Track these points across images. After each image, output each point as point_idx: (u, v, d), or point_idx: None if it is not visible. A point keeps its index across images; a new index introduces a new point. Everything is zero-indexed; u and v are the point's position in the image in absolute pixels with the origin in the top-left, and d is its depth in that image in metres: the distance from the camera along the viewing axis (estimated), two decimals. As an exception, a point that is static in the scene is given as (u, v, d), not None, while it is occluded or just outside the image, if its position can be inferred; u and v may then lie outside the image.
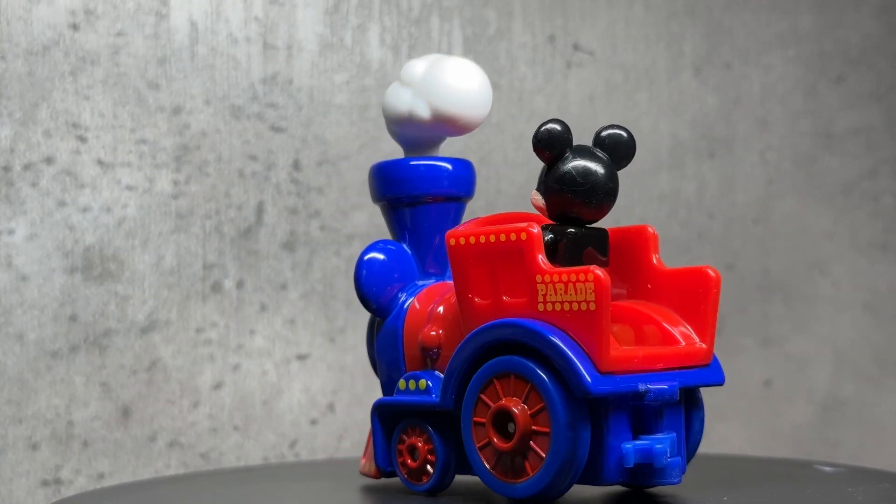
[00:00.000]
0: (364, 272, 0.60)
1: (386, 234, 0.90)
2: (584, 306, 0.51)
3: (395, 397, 0.57)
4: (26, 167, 0.80)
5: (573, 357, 0.51)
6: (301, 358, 0.87)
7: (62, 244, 0.80)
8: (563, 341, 0.51)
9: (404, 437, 0.57)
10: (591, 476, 0.52)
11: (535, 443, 0.51)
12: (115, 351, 0.82)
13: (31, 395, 0.79)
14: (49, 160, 0.80)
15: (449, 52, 0.93)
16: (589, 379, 0.50)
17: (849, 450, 1.06)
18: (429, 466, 0.56)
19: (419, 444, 0.56)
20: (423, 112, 0.61)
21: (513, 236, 0.53)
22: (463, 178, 0.62)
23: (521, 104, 0.95)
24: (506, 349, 0.53)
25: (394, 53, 0.91)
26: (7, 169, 0.79)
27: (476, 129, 0.63)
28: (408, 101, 0.62)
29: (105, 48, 0.82)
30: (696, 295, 0.54)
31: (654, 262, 0.57)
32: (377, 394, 0.88)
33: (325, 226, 0.88)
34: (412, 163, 0.62)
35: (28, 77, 0.80)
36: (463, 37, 0.93)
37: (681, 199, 1.01)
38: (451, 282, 0.57)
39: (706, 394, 0.96)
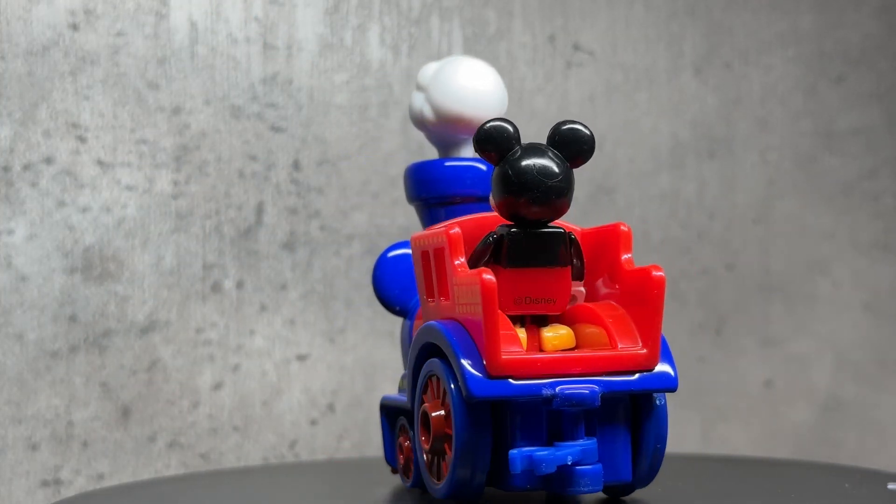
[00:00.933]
0: (378, 271, 0.61)
1: (386, 235, 0.90)
2: (476, 309, 0.50)
3: (393, 395, 0.58)
4: (26, 167, 0.80)
5: (461, 360, 0.50)
6: (301, 358, 0.87)
7: (62, 244, 0.80)
8: (457, 344, 0.51)
9: (400, 434, 0.58)
10: (500, 480, 0.52)
11: (447, 444, 0.52)
12: (114, 351, 0.82)
13: (31, 396, 0.79)
14: (49, 160, 0.80)
15: (449, 52, 0.93)
16: (472, 382, 0.50)
17: (849, 450, 1.06)
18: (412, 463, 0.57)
19: (405, 443, 0.57)
20: (430, 113, 0.61)
21: (439, 239, 0.53)
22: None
23: (521, 104, 0.95)
24: (437, 351, 0.53)
25: (394, 53, 0.91)
26: (7, 169, 0.79)
27: (461, 130, 0.62)
28: (420, 103, 0.62)
29: (105, 48, 0.82)
30: (642, 296, 0.52)
31: (622, 261, 0.54)
32: (377, 394, 0.88)
33: (325, 226, 0.88)
34: (446, 164, 0.62)
35: (28, 77, 0.80)
36: (463, 37, 0.93)
37: (681, 199, 1.01)
38: None
39: (707, 394, 0.95)
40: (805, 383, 1.05)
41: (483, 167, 0.61)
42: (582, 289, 0.55)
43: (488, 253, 0.53)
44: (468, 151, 0.63)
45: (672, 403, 1.03)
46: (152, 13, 0.83)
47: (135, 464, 0.82)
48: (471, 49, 0.93)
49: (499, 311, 0.50)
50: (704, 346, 1.02)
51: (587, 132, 0.53)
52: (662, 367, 0.52)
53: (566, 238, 0.54)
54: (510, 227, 0.53)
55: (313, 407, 0.87)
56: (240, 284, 0.85)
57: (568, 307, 0.54)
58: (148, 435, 0.82)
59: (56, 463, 0.80)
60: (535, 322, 0.54)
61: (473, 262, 0.53)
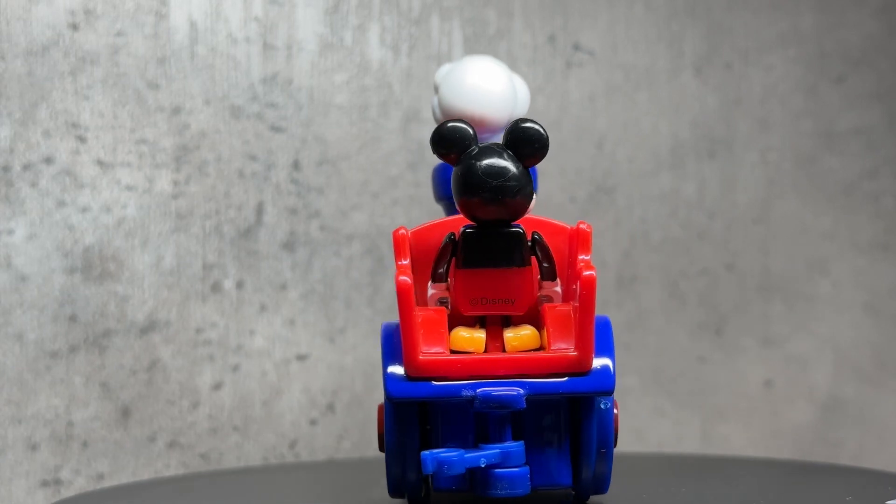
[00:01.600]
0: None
1: (386, 235, 0.90)
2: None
3: None
4: (26, 167, 0.80)
5: (385, 361, 0.51)
6: (301, 358, 0.87)
7: (62, 244, 0.80)
8: (386, 346, 0.52)
9: None
10: (435, 481, 0.53)
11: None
12: (114, 351, 0.82)
13: (31, 396, 0.79)
14: (48, 160, 0.80)
15: (449, 52, 0.93)
16: (391, 383, 0.51)
17: (850, 450, 1.06)
18: None
19: None
20: (437, 112, 0.61)
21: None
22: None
23: (522, 104, 0.95)
24: None
25: (394, 53, 0.91)
26: (6, 169, 0.79)
27: (492, 129, 0.62)
28: (434, 103, 0.62)
29: (105, 48, 0.82)
30: (578, 297, 0.52)
31: (578, 261, 0.54)
32: (377, 394, 0.88)
33: (325, 226, 0.88)
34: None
35: (27, 77, 0.80)
36: (463, 37, 0.93)
37: (681, 199, 1.01)
38: None
39: (707, 394, 0.96)
40: (805, 383, 1.05)
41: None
42: (558, 289, 0.55)
43: (448, 253, 0.53)
44: None
45: (672, 403, 1.03)
46: (152, 13, 0.83)
47: (135, 464, 0.82)
48: (471, 49, 0.93)
49: (445, 311, 0.52)
50: (704, 346, 1.02)
51: (538, 130, 0.52)
52: (598, 370, 0.51)
53: (525, 238, 0.53)
54: (467, 227, 0.53)
55: (313, 407, 0.87)
56: (240, 284, 0.85)
57: (540, 307, 0.54)
58: (148, 435, 0.82)
59: (56, 463, 0.80)
60: (502, 323, 0.54)
61: (434, 263, 0.53)
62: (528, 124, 0.53)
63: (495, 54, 0.94)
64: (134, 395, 0.82)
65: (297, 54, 0.88)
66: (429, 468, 0.50)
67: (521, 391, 0.50)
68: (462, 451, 0.51)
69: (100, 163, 0.82)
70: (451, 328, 0.54)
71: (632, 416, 0.99)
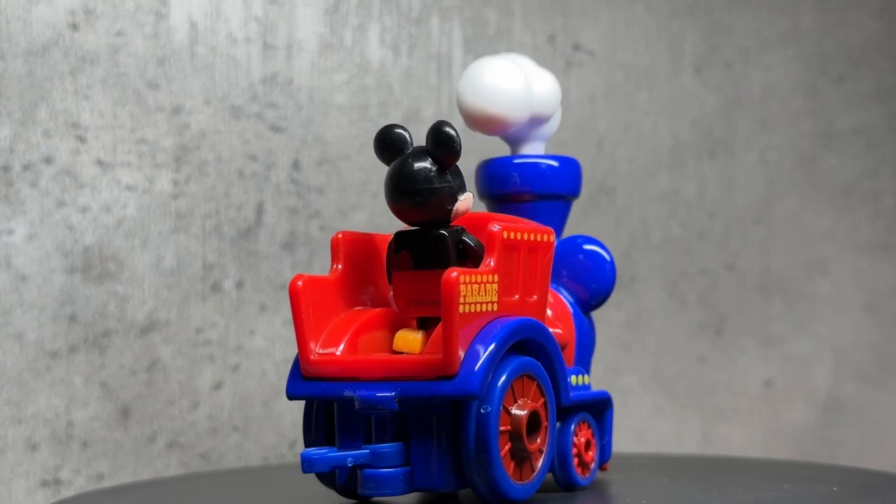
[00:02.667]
0: None
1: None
2: None
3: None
4: (26, 167, 0.80)
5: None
6: (301, 358, 0.87)
7: (62, 244, 0.80)
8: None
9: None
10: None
11: None
12: (114, 351, 0.82)
13: (31, 396, 0.79)
14: (48, 160, 0.80)
15: (449, 52, 0.93)
16: (289, 382, 0.53)
17: (849, 450, 1.06)
18: None
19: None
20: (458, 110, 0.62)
21: None
22: (564, 176, 0.62)
23: (522, 104, 0.95)
24: None
25: (394, 53, 0.91)
26: (6, 169, 0.79)
27: (499, 129, 0.61)
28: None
29: (104, 48, 0.82)
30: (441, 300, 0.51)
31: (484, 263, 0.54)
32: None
33: (325, 226, 0.88)
34: (515, 160, 0.62)
35: (27, 77, 0.80)
36: (463, 37, 0.93)
37: (681, 199, 1.01)
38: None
39: (707, 394, 0.96)
40: (805, 383, 1.05)
41: (555, 164, 0.61)
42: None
43: (390, 257, 0.55)
44: (537, 148, 0.62)
45: (672, 403, 1.03)
46: (152, 13, 0.83)
47: (135, 464, 0.82)
48: (471, 49, 0.93)
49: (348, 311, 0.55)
50: (704, 346, 1.02)
51: (445, 132, 0.53)
52: (463, 373, 0.51)
53: (448, 240, 0.54)
54: (399, 230, 0.55)
55: (313, 407, 0.87)
56: (240, 284, 0.85)
57: None
58: (148, 435, 0.82)
59: (56, 463, 0.80)
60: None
61: (386, 267, 0.56)
62: (438, 127, 0.53)
63: (495, 54, 0.94)
64: (134, 395, 0.82)
65: (297, 54, 0.88)
66: (304, 468, 0.51)
67: (393, 394, 0.51)
68: (333, 449, 0.52)
69: (100, 163, 0.82)
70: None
71: (632, 416, 0.99)
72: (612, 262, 0.61)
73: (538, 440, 0.53)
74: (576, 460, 0.58)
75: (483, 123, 0.60)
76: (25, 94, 0.80)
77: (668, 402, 1.00)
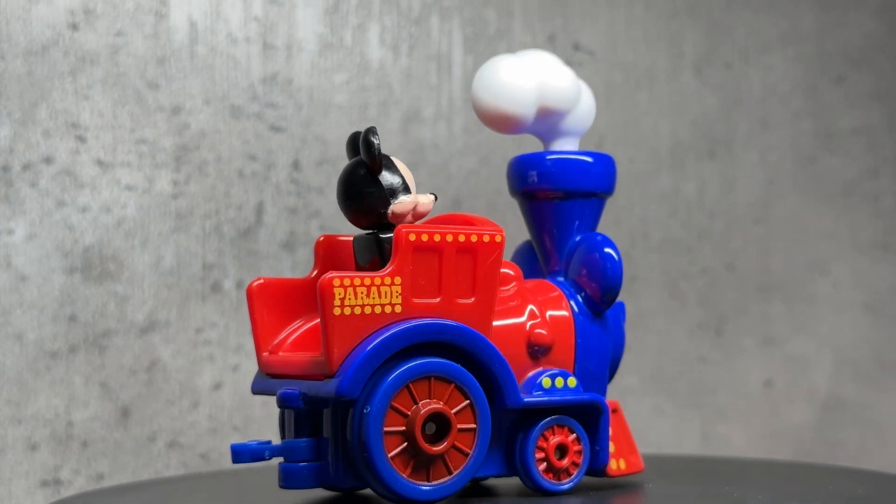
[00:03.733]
0: None
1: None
2: None
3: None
4: (26, 167, 0.80)
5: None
6: (301, 358, 0.87)
7: (61, 244, 0.80)
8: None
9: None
10: None
11: None
12: (114, 351, 0.82)
13: (31, 396, 0.79)
14: (48, 160, 0.80)
15: (449, 52, 0.93)
16: (254, 379, 0.57)
17: (849, 450, 1.06)
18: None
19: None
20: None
21: None
22: (598, 173, 0.61)
23: (522, 104, 0.95)
24: None
25: (394, 53, 0.91)
26: (6, 169, 0.79)
27: (507, 125, 0.60)
28: None
29: (104, 48, 0.82)
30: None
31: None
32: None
33: (324, 226, 0.88)
34: (548, 156, 0.61)
35: (27, 77, 0.80)
36: (463, 37, 0.93)
37: (681, 199, 1.01)
38: (550, 281, 0.60)
39: (707, 394, 0.95)
40: (805, 383, 1.05)
41: (590, 160, 0.61)
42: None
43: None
44: (568, 144, 0.61)
45: (672, 403, 1.03)
46: (152, 13, 0.83)
47: (135, 464, 0.82)
48: (471, 49, 0.93)
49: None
50: (704, 346, 1.02)
51: (364, 138, 0.55)
52: (341, 374, 0.52)
53: (379, 243, 0.55)
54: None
55: (313, 407, 0.87)
56: (240, 284, 0.85)
57: None
58: (148, 435, 0.82)
59: (56, 463, 0.80)
60: None
61: None
62: (362, 134, 0.55)
63: (495, 54, 0.94)
64: (134, 395, 0.82)
65: (297, 54, 0.88)
66: (231, 457, 0.55)
67: (299, 392, 0.53)
68: (258, 442, 0.55)
69: (100, 163, 0.82)
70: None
71: (632, 417, 0.99)
72: (613, 261, 0.59)
73: (445, 442, 0.53)
74: (542, 465, 0.56)
75: (490, 120, 0.60)
76: (25, 94, 0.80)
77: (668, 403, 1.00)
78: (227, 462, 0.85)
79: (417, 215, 0.55)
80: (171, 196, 0.83)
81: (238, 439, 0.85)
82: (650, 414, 1.00)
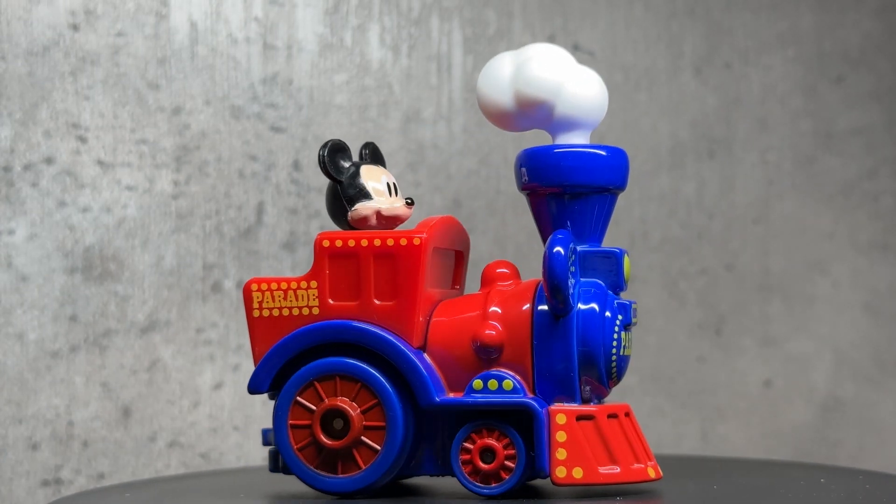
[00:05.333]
0: None
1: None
2: None
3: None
4: (26, 167, 0.80)
5: None
6: (301, 358, 0.87)
7: (62, 244, 0.80)
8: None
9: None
10: None
11: None
12: (115, 351, 0.82)
13: (31, 395, 0.79)
14: (49, 160, 0.80)
15: (449, 52, 0.93)
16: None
17: (849, 450, 1.06)
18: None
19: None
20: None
21: None
22: (607, 167, 0.59)
23: (521, 104, 0.95)
24: None
25: (394, 53, 0.91)
26: (7, 169, 0.79)
27: (490, 115, 0.60)
28: None
29: (105, 48, 0.82)
30: None
31: None
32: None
33: (325, 226, 0.88)
34: (555, 150, 0.59)
35: (28, 77, 0.80)
36: (463, 37, 0.93)
37: (681, 199, 1.01)
38: (527, 281, 0.59)
39: (706, 394, 0.95)
40: (804, 383, 1.05)
41: (603, 153, 0.59)
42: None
43: None
44: (577, 138, 0.59)
45: (671, 403, 1.03)
46: (152, 13, 0.83)
47: (135, 464, 0.82)
48: (471, 49, 0.93)
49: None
50: (704, 345, 1.02)
51: (318, 153, 0.60)
52: (254, 371, 0.59)
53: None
54: None
55: (313, 407, 0.87)
56: (240, 284, 0.85)
57: None
58: (148, 435, 0.82)
59: (56, 463, 0.80)
60: None
61: None
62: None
63: (495, 54, 0.94)
64: (134, 395, 0.82)
65: (297, 54, 0.88)
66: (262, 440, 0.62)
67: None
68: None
69: (100, 163, 0.82)
70: None
71: (631, 416, 0.99)
72: (557, 259, 0.56)
73: (346, 438, 0.57)
74: (468, 467, 0.56)
75: (482, 111, 0.60)
76: (26, 94, 0.80)
77: (667, 402, 1.00)
78: (227, 462, 0.85)
79: (389, 220, 0.58)
80: (171, 196, 0.84)
81: (238, 439, 0.85)
82: (649, 414, 1.00)
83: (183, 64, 0.84)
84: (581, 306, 0.57)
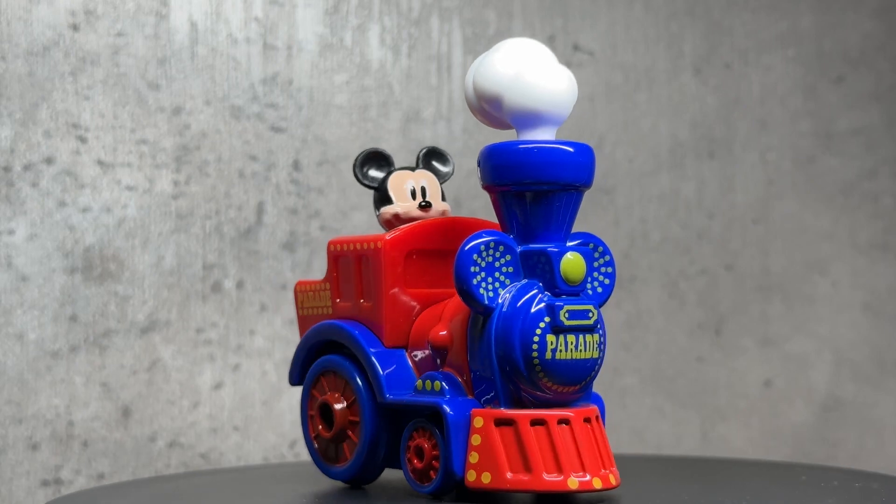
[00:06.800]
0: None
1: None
2: None
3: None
4: (26, 167, 0.80)
5: None
6: (301, 358, 0.87)
7: (62, 244, 0.80)
8: None
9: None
10: None
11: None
12: (115, 351, 0.82)
13: (31, 396, 0.79)
14: (49, 160, 0.80)
15: (449, 52, 0.93)
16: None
17: (848, 450, 1.06)
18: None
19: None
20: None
21: None
22: (571, 164, 0.56)
23: (521, 104, 0.95)
24: None
25: (394, 54, 0.91)
26: (7, 169, 0.79)
27: (472, 112, 0.59)
28: None
29: (105, 48, 0.82)
30: None
31: None
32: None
33: (325, 226, 0.88)
34: (520, 146, 0.56)
35: (28, 77, 0.80)
36: (463, 37, 0.93)
37: (681, 199, 1.01)
38: None
39: (706, 394, 0.96)
40: (804, 383, 1.05)
41: (571, 150, 0.56)
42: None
43: None
44: (541, 134, 0.57)
45: (672, 403, 1.03)
46: (152, 13, 0.83)
47: (135, 464, 0.82)
48: (471, 49, 0.93)
49: None
50: (704, 346, 1.02)
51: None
52: None
53: None
54: None
55: (313, 407, 0.87)
56: (240, 284, 0.85)
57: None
58: (148, 435, 0.82)
59: (56, 463, 0.80)
60: None
61: None
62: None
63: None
64: (134, 395, 0.82)
65: (297, 55, 0.88)
66: None
67: None
68: None
69: (100, 163, 0.82)
70: None
71: (632, 417, 0.99)
72: (461, 258, 0.56)
73: (332, 430, 0.61)
74: (409, 465, 0.57)
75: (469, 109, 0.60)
76: (26, 94, 0.80)
77: (667, 402, 1.01)
78: (227, 461, 0.85)
79: (408, 222, 0.61)
80: (171, 196, 0.84)
81: (238, 439, 0.85)
82: (649, 414, 1.00)
83: (183, 64, 0.84)
84: (505, 308, 0.55)
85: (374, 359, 0.59)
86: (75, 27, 0.81)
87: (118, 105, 0.82)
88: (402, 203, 0.62)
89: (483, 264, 0.56)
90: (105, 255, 0.82)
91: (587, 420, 0.56)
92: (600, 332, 0.56)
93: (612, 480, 0.55)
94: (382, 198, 0.63)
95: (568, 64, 0.98)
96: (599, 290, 0.57)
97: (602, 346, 0.56)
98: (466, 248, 0.56)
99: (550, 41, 0.96)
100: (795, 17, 1.05)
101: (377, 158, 0.64)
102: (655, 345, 1.00)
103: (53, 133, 0.80)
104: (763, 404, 1.04)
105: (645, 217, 1.00)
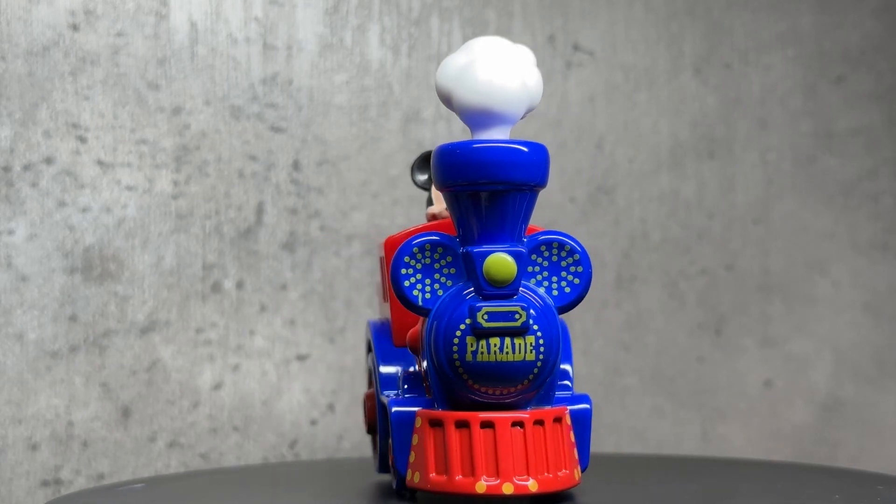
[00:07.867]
0: None
1: (386, 235, 0.90)
2: None
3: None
4: (26, 167, 0.80)
5: None
6: (301, 358, 0.87)
7: (62, 244, 0.80)
8: None
9: None
10: None
11: None
12: (114, 351, 0.82)
13: (31, 396, 0.79)
14: (49, 160, 0.80)
15: (449, 52, 0.93)
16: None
17: (849, 450, 1.06)
18: None
19: None
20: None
21: None
22: (518, 164, 0.55)
23: (521, 104, 0.95)
24: None
25: (394, 54, 0.91)
26: (7, 169, 0.79)
27: (458, 113, 0.58)
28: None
29: (105, 48, 0.82)
30: None
31: None
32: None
33: (324, 226, 0.88)
34: (474, 145, 0.55)
35: (28, 77, 0.80)
36: (463, 37, 0.93)
37: (681, 199, 1.01)
38: None
39: (706, 394, 0.96)
40: (804, 383, 1.05)
41: (525, 149, 0.55)
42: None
43: None
44: (495, 134, 0.56)
45: (672, 403, 1.03)
46: (152, 13, 0.83)
47: (135, 464, 0.82)
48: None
49: None
50: (704, 346, 1.02)
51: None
52: None
53: None
54: None
55: (313, 407, 0.87)
56: (240, 284, 0.85)
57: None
58: (148, 435, 0.82)
59: (56, 463, 0.80)
60: None
61: None
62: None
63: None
64: (134, 395, 0.82)
65: (297, 55, 0.88)
66: None
67: None
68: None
69: (100, 163, 0.82)
70: None
71: (632, 417, 0.99)
72: (394, 259, 0.57)
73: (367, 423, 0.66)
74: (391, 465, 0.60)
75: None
76: (26, 94, 0.80)
77: (668, 402, 1.00)
78: (227, 462, 0.85)
79: (433, 219, 0.65)
80: (171, 196, 0.84)
81: (238, 439, 0.85)
82: (650, 414, 1.00)
83: (183, 64, 0.84)
84: (435, 309, 0.55)
85: (376, 357, 0.61)
86: (75, 27, 0.81)
87: (118, 105, 0.82)
88: (439, 204, 0.65)
89: (419, 266, 0.55)
90: (105, 255, 0.82)
91: (539, 423, 0.54)
92: (538, 333, 0.54)
93: (533, 487, 0.53)
94: (428, 199, 0.66)
95: (568, 64, 0.98)
96: (567, 290, 0.55)
97: (544, 348, 0.54)
98: (399, 250, 0.56)
99: (550, 41, 0.96)
100: (795, 17, 1.05)
101: (426, 161, 0.67)
102: (656, 345, 1.00)
103: (53, 133, 0.80)
104: (763, 404, 1.04)
105: (645, 217, 1.00)
